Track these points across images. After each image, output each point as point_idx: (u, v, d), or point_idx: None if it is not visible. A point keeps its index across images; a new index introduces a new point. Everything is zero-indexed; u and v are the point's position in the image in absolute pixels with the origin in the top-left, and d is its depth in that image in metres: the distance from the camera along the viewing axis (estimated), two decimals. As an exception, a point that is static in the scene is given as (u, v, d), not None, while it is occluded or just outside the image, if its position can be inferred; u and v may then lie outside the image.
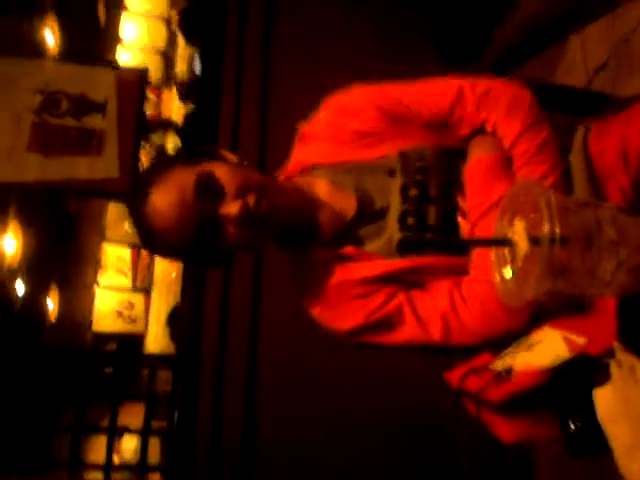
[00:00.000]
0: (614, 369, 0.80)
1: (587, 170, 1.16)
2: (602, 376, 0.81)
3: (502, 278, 0.72)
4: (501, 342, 1.07)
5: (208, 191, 1.13)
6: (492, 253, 0.74)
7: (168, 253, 1.28)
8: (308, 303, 1.24)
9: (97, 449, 3.40)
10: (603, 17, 1.34)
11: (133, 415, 3.20)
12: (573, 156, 1.18)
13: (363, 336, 1.19)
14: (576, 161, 1.17)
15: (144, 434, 3.03)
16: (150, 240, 1.18)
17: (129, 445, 3.60)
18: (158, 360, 4.00)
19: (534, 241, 0.66)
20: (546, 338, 0.99)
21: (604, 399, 0.80)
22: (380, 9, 3.15)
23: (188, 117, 3.61)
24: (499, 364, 0.99)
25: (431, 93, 1.22)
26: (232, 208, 1.12)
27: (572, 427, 0.86)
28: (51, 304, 5.16)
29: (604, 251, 0.66)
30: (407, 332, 1.15)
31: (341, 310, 1.19)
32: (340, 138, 1.24)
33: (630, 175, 1.12)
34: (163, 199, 1.13)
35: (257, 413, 2.64)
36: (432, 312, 1.14)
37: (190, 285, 3.19)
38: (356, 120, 1.23)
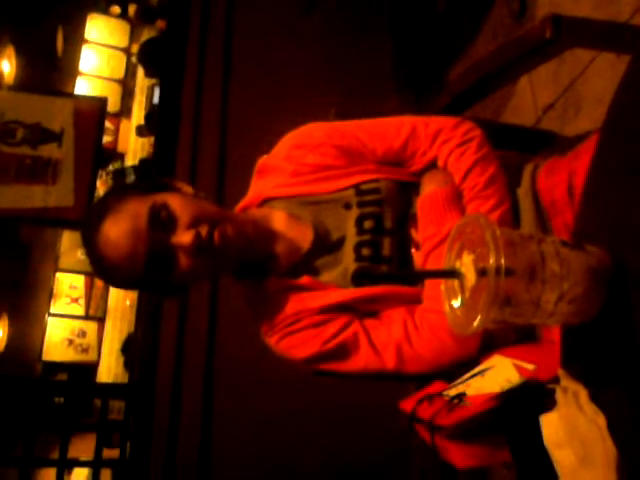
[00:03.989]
0: (559, 395, 0.81)
1: (534, 205, 1.20)
2: (549, 402, 0.83)
3: (451, 308, 0.74)
4: (453, 370, 1.10)
5: (161, 221, 1.13)
6: (442, 284, 0.77)
7: (120, 283, 1.25)
8: (264, 332, 1.25)
9: (47, 482, 3.31)
10: (552, 60, 1.41)
11: (86, 446, 3.12)
12: (521, 191, 1.22)
13: (319, 364, 1.21)
14: (524, 196, 1.21)
15: (95, 465, 2.95)
16: (102, 269, 1.18)
17: (80, 477, 3.50)
18: (110, 389, 3.91)
19: (481, 272, 0.68)
20: (497, 365, 1.02)
21: (550, 424, 0.81)
22: (341, 45, 3.23)
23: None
24: (452, 391, 1.01)
25: (386, 130, 1.26)
26: (184, 238, 1.13)
27: (522, 452, 0.88)
28: (0, 332, 5.03)
29: (547, 283, 0.69)
30: (362, 360, 1.17)
31: (297, 339, 1.20)
32: (298, 172, 1.26)
33: (574, 210, 1.16)
34: (116, 228, 1.13)
35: (213, 444, 2.60)
36: (386, 341, 1.16)
37: (145, 313, 3.14)
38: (314, 154, 1.25)
